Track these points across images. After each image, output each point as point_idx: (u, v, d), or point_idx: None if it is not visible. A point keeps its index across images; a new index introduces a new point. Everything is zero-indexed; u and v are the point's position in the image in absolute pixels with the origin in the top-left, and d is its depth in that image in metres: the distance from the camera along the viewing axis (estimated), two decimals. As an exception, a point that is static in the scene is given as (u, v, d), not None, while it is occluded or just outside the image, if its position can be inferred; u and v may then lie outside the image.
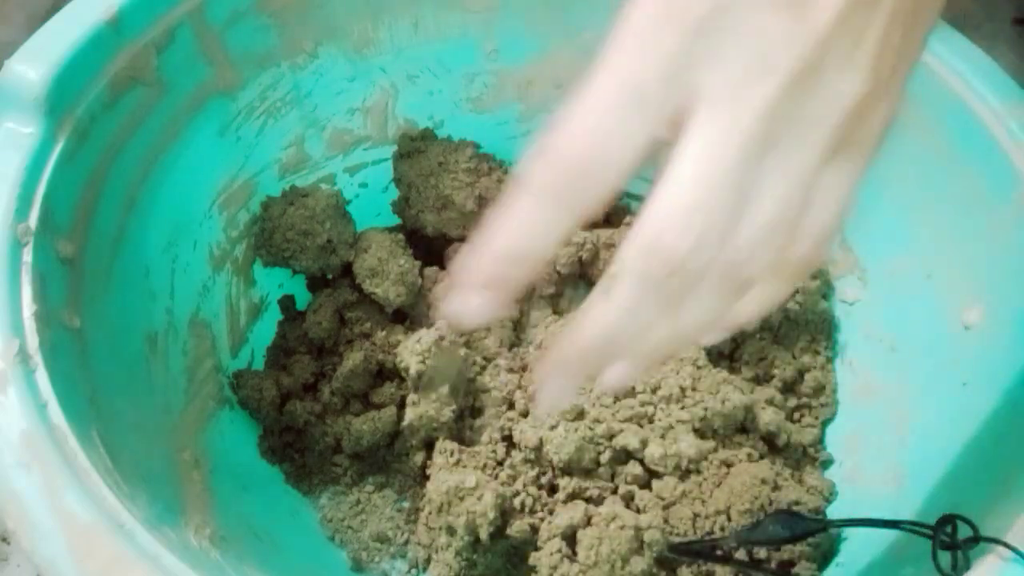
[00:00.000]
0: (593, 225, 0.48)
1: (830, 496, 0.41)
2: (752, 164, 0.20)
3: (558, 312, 0.48)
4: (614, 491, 0.40)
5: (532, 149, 0.21)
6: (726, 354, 0.45)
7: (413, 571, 0.41)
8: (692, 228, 0.20)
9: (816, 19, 0.20)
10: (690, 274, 0.21)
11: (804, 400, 0.44)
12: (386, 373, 0.45)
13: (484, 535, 0.37)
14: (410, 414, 0.41)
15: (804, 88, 0.20)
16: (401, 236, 0.47)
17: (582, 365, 0.23)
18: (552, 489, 0.40)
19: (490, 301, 0.22)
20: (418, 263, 0.46)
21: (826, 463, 0.43)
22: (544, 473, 0.40)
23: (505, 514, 0.38)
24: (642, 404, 0.41)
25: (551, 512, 0.39)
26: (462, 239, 0.48)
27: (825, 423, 0.44)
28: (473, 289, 0.22)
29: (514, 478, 0.40)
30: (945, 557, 0.28)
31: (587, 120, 0.20)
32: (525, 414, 0.42)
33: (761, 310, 0.24)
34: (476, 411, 0.43)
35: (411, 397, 0.41)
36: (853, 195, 0.22)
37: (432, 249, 0.49)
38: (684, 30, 0.19)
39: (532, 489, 0.40)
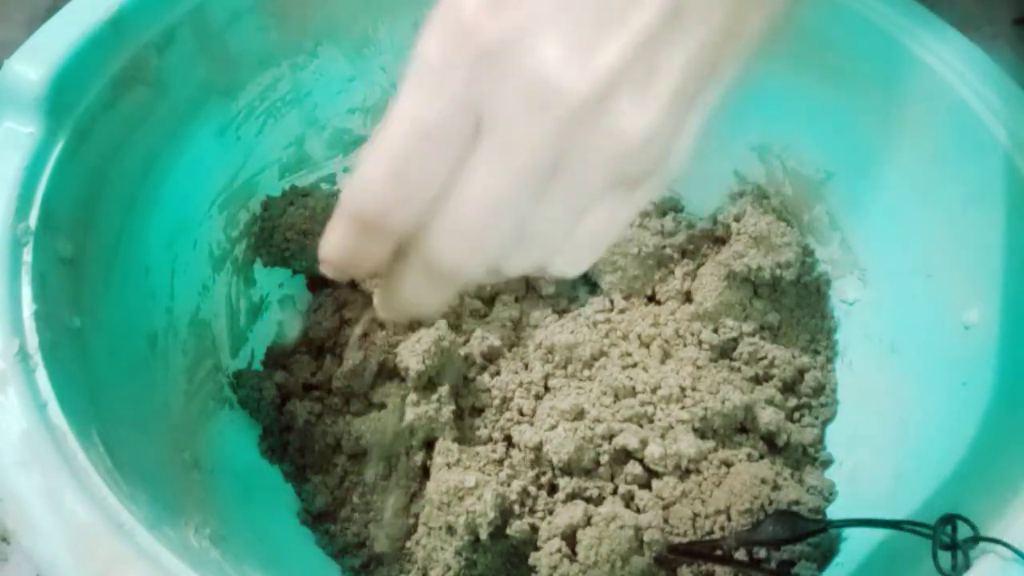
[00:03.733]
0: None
1: (830, 496, 0.41)
2: (528, 193, 0.21)
3: (558, 312, 0.48)
4: (614, 491, 0.40)
5: (348, 178, 0.22)
6: (726, 353, 0.45)
7: (413, 571, 0.41)
8: (473, 252, 0.22)
9: (601, 62, 0.20)
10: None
11: (804, 400, 0.44)
12: (386, 373, 0.45)
13: (484, 535, 0.37)
14: (410, 414, 0.41)
15: (583, 124, 0.20)
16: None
17: None
18: (552, 489, 0.40)
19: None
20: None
21: (826, 463, 0.43)
22: (544, 473, 0.40)
23: (505, 514, 0.38)
24: (642, 404, 0.41)
25: (551, 512, 0.39)
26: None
27: (825, 423, 0.44)
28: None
29: (514, 478, 0.40)
30: (945, 557, 0.28)
31: (390, 164, 0.21)
32: (525, 414, 0.42)
33: None
34: (476, 411, 0.43)
35: (411, 397, 0.41)
36: (626, 223, 0.23)
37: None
38: (471, 63, 0.20)
39: (532, 489, 0.40)
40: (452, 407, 0.42)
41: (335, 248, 0.23)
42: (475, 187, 0.21)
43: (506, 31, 0.20)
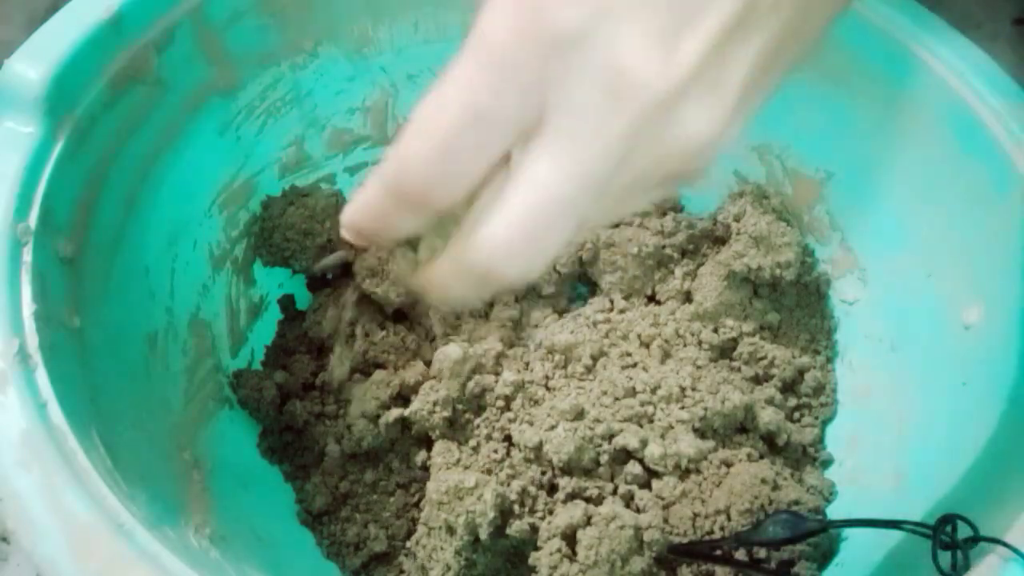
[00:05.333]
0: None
1: (830, 496, 0.41)
2: (593, 191, 0.19)
3: (558, 312, 0.48)
4: (614, 491, 0.40)
5: (394, 141, 0.21)
6: (726, 353, 0.45)
7: (413, 571, 0.41)
8: (517, 258, 0.20)
9: (680, 61, 0.18)
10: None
11: (804, 400, 0.44)
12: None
13: (484, 535, 0.37)
14: (412, 406, 0.41)
15: (656, 122, 0.19)
16: (401, 236, 0.47)
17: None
18: (552, 489, 0.40)
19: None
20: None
21: (826, 463, 0.43)
22: (544, 473, 0.40)
23: (505, 514, 0.38)
24: (642, 404, 0.41)
25: (551, 512, 0.39)
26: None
27: (825, 423, 0.44)
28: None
29: (514, 478, 0.40)
30: (945, 557, 0.28)
31: (440, 141, 0.19)
32: (525, 414, 0.42)
33: None
34: (476, 411, 0.43)
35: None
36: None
37: (432, 249, 0.49)
38: (541, 49, 0.18)
39: (532, 489, 0.40)
40: (451, 407, 0.42)
41: (365, 214, 0.22)
42: (536, 183, 0.19)
43: (583, 18, 0.18)
